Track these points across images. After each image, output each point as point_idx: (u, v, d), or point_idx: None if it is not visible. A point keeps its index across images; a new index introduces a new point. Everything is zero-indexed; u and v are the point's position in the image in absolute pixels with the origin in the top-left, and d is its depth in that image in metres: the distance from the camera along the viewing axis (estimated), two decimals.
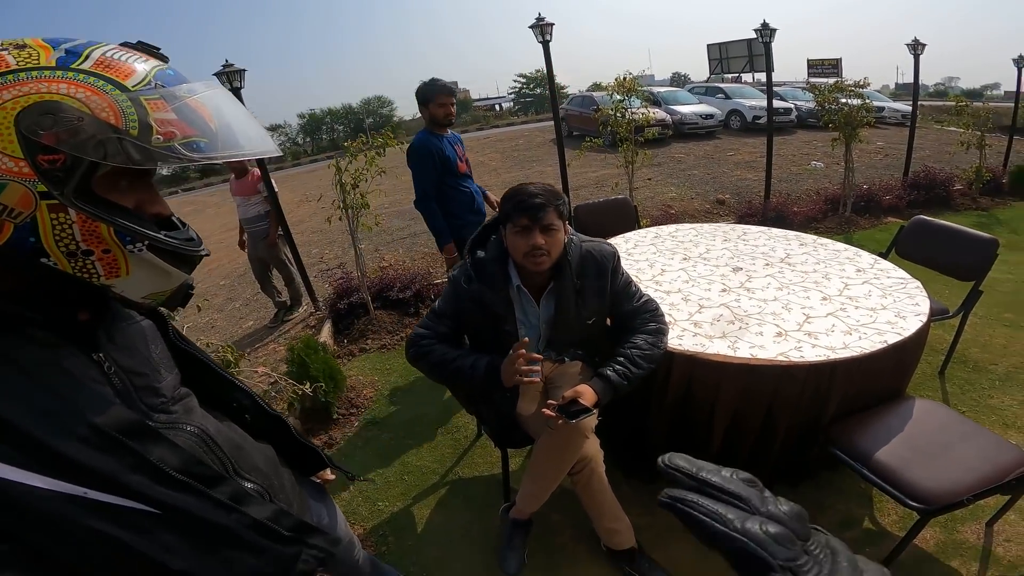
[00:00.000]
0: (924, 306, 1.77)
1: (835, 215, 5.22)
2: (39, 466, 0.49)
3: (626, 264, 1.83)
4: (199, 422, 0.69)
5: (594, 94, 13.12)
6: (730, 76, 16.12)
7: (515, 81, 39.45)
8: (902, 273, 2.05)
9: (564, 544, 1.75)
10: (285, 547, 0.62)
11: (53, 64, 0.47)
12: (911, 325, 1.65)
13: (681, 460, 0.27)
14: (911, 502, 1.34)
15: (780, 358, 1.52)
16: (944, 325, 2.50)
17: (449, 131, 2.65)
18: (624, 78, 4.22)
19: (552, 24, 3.80)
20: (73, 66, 0.48)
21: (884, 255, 2.41)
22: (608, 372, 1.42)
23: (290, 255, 3.96)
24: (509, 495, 1.81)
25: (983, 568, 1.60)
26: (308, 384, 2.29)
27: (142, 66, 0.52)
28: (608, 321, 1.63)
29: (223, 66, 3.30)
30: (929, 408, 1.63)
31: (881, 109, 11.67)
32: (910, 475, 1.37)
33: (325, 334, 3.37)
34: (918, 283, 1.95)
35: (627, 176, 4.42)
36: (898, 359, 1.63)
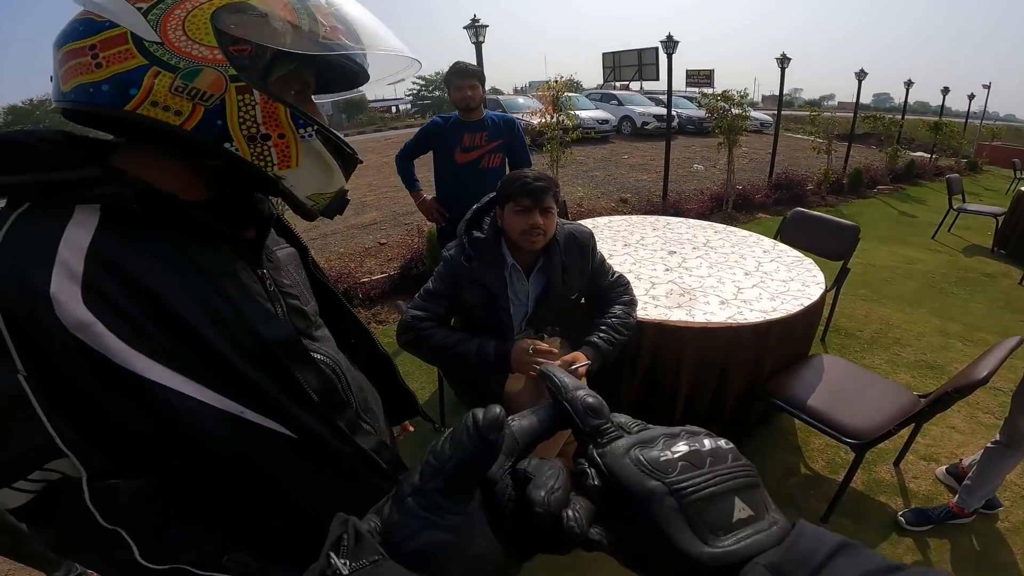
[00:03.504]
0: (820, 277, 2.19)
1: (719, 211, 5.97)
2: (208, 379, 0.49)
3: None
4: (332, 353, 0.70)
5: (498, 97, 13.51)
6: (619, 84, 17.28)
7: (414, 83, 37.57)
8: (796, 253, 2.50)
9: None
10: (382, 480, 0.63)
11: None
12: (815, 292, 2.05)
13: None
14: (846, 439, 1.60)
15: (729, 321, 1.82)
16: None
17: (489, 118, 2.55)
18: (556, 81, 4.50)
19: (487, 26, 3.86)
20: None
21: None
22: (595, 339, 1.58)
23: None
24: None
25: (906, 502, 1.90)
26: None
27: None
28: (583, 299, 1.82)
29: None
30: (833, 362, 2.01)
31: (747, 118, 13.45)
32: (839, 417, 1.67)
33: None
34: (811, 260, 2.40)
35: (552, 174, 4.69)
36: (808, 321, 2.03)
